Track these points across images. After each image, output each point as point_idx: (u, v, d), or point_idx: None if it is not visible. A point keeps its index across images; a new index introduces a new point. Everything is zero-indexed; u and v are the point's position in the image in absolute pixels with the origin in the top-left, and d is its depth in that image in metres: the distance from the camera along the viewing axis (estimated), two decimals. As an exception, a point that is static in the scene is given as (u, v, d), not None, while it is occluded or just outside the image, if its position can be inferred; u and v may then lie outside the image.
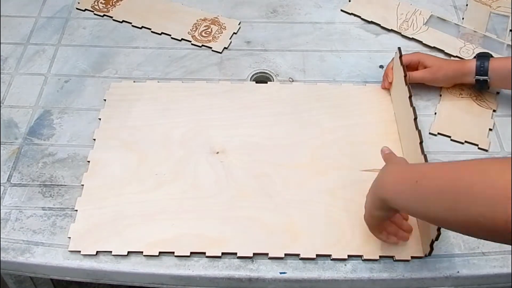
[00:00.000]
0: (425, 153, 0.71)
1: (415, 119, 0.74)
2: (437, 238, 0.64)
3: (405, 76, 0.80)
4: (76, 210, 0.74)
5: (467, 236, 0.72)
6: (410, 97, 0.77)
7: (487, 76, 0.83)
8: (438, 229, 0.63)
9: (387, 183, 0.61)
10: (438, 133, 0.84)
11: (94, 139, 0.83)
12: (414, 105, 0.77)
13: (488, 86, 0.85)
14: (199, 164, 0.79)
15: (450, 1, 1.07)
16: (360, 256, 0.70)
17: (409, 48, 0.96)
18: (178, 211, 0.74)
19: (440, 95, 0.89)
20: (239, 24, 1.02)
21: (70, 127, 0.85)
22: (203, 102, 0.88)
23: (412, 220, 0.73)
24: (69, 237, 0.72)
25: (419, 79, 0.87)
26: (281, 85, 0.91)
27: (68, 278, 0.73)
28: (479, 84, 0.85)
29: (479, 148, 0.83)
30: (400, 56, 0.82)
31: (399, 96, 0.83)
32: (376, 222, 0.67)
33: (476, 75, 0.84)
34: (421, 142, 0.72)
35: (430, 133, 0.84)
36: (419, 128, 0.74)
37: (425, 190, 0.53)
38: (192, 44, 0.98)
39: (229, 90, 0.89)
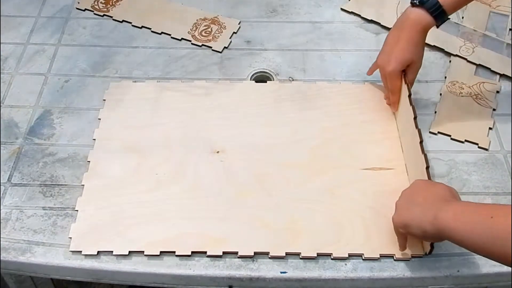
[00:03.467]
0: (425, 152, 0.71)
1: (415, 118, 0.75)
2: None
3: (404, 75, 0.80)
4: (77, 210, 0.74)
5: (467, 235, 0.73)
6: (409, 95, 0.77)
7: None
8: None
9: (449, 217, 0.59)
10: (438, 132, 0.84)
11: (94, 139, 0.83)
12: (413, 104, 0.77)
13: (442, 9, 0.77)
14: (199, 163, 0.79)
15: (450, 0, 1.07)
16: (361, 256, 0.70)
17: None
18: (178, 211, 0.74)
19: (440, 94, 0.89)
20: (239, 24, 1.02)
21: (71, 127, 0.85)
22: (203, 101, 0.88)
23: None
24: (70, 237, 0.72)
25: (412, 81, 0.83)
26: (281, 84, 0.91)
27: (69, 278, 0.73)
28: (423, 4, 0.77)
29: (479, 147, 0.83)
30: None
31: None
32: (409, 234, 0.67)
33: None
34: (421, 142, 0.72)
35: (430, 132, 0.84)
36: (419, 127, 0.74)
37: (503, 226, 0.52)
38: (192, 43, 0.98)
39: (229, 90, 0.90)
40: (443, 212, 0.59)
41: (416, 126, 0.74)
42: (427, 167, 0.69)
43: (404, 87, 0.79)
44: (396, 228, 0.68)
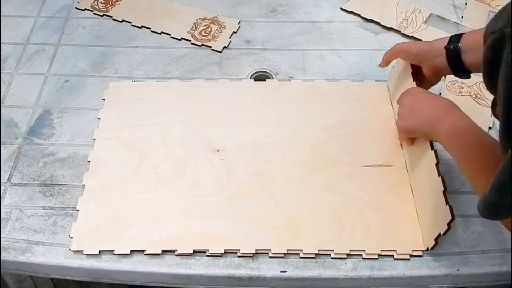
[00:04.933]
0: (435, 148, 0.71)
1: None
2: (445, 233, 0.65)
3: (412, 73, 0.79)
4: (78, 210, 0.74)
5: (466, 235, 0.73)
6: None
7: (458, 43, 0.71)
8: (449, 224, 0.63)
9: (444, 132, 0.67)
10: (438, 131, 0.84)
11: (94, 139, 0.83)
12: None
13: (464, 68, 0.72)
14: (199, 162, 0.79)
15: (449, 0, 1.07)
16: (361, 253, 0.70)
17: (408, 46, 0.96)
18: (179, 210, 0.74)
19: (440, 94, 0.89)
20: (238, 23, 1.02)
21: (70, 127, 0.85)
22: (202, 100, 0.88)
23: (412, 214, 0.74)
24: (71, 237, 0.72)
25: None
26: (280, 83, 0.91)
27: (68, 278, 0.73)
28: (451, 58, 0.72)
29: (478, 146, 0.83)
30: None
31: (401, 92, 0.83)
32: (411, 136, 0.77)
33: (446, 45, 0.73)
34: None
35: (429, 131, 0.84)
36: None
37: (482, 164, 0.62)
38: (191, 43, 0.98)
39: (228, 89, 0.90)
40: (440, 125, 0.67)
41: None
42: (437, 163, 0.69)
43: (413, 84, 0.78)
44: (401, 133, 0.79)
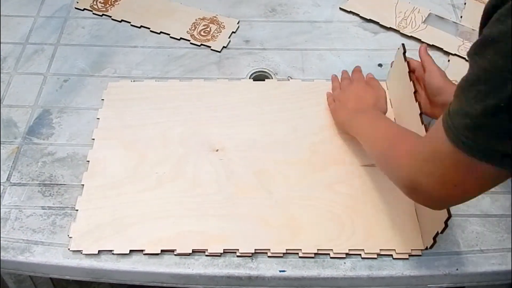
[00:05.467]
0: (425, 123, 0.71)
1: (421, 114, 0.74)
2: (442, 231, 0.65)
3: (409, 72, 0.79)
4: (77, 210, 0.74)
5: (466, 234, 0.73)
6: (415, 92, 0.77)
7: None
8: (446, 222, 0.63)
9: (356, 128, 0.76)
10: (437, 131, 0.84)
11: (93, 139, 0.83)
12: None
13: None
14: (198, 162, 0.79)
15: (448, 0, 1.07)
16: (360, 254, 0.70)
17: (407, 46, 0.96)
18: (178, 209, 0.74)
19: (439, 93, 0.89)
20: (238, 23, 1.02)
21: (69, 127, 0.85)
22: (201, 100, 0.88)
23: (411, 214, 0.74)
24: (70, 237, 0.72)
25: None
26: (279, 82, 0.91)
27: (67, 277, 0.73)
28: None
29: (477, 146, 0.83)
30: (404, 52, 0.81)
31: (400, 92, 0.83)
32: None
33: None
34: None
35: (428, 131, 0.84)
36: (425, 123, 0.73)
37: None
38: (191, 43, 0.98)
39: (227, 88, 0.90)
40: (355, 122, 0.77)
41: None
42: None
43: (410, 84, 0.78)
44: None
